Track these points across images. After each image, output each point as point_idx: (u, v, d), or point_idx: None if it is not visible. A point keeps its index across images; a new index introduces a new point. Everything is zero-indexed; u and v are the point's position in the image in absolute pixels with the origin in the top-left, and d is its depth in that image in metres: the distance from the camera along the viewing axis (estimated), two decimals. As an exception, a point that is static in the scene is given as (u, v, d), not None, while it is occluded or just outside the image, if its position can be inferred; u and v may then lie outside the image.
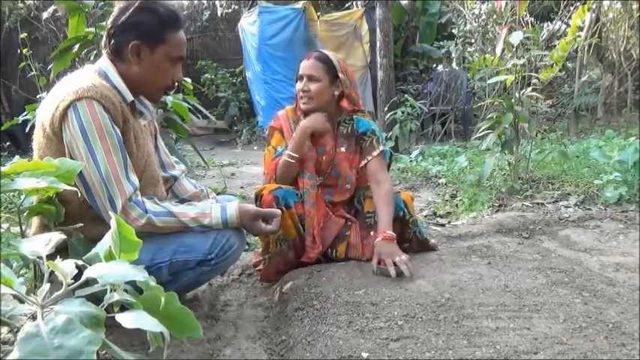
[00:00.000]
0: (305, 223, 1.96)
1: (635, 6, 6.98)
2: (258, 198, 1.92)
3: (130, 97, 1.48)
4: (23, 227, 1.34)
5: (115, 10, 1.49)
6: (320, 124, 2.03)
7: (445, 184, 3.98)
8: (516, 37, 3.19)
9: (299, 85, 2.05)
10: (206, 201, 1.73)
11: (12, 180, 1.04)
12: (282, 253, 1.96)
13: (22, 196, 1.26)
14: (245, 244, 1.68)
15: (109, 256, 0.93)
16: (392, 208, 1.97)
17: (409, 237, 2.08)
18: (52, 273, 0.90)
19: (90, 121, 1.36)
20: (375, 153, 2.08)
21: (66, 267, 0.85)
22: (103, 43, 1.52)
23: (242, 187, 4.23)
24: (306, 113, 2.06)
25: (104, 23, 2.56)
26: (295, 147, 1.99)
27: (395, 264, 1.78)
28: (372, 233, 2.00)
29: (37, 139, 1.46)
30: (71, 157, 1.38)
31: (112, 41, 1.47)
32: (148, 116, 1.64)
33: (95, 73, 1.46)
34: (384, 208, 1.95)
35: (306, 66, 2.04)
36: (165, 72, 1.51)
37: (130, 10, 1.44)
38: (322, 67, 2.03)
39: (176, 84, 1.58)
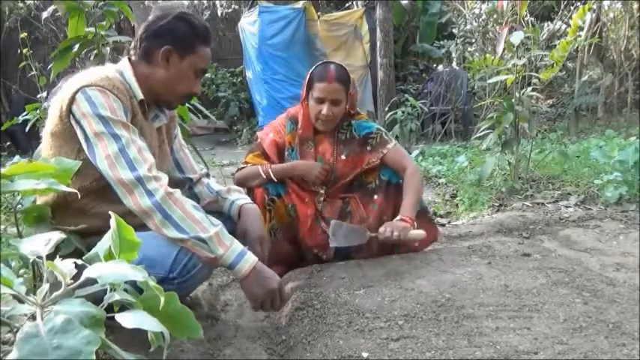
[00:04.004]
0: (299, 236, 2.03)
1: (635, 6, 6.99)
2: (249, 187, 1.99)
3: (140, 96, 1.50)
4: (22, 228, 1.34)
5: (151, 17, 1.54)
6: (312, 177, 2.03)
7: (445, 184, 3.98)
8: (517, 37, 3.19)
9: (321, 109, 1.99)
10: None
11: (11, 181, 1.04)
12: (277, 245, 1.97)
13: (18, 197, 1.26)
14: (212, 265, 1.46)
15: (109, 256, 0.93)
16: (418, 193, 2.01)
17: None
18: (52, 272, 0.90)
19: (101, 101, 1.36)
20: (389, 145, 2.10)
21: (65, 267, 0.85)
22: (131, 46, 1.55)
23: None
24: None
25: (104, 23, 2.56)
26: (280, 175, 2.02)
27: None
28: (374, 197, 2.05)
29: (46, 132, 1.46)
30: (80, 139, 1.37)
31: (143, 44, 1.51)
32: (163, 119, 1.65)
33: (113, 70, 1.50)
34: (410, 193, 2.00)
35: (329, 90, 1.97)
36: (188, 81, 1.55)
37: (168, 18, 1.50)
38: (343, 88, 2.00)
39: (194, 96, 1.63)
